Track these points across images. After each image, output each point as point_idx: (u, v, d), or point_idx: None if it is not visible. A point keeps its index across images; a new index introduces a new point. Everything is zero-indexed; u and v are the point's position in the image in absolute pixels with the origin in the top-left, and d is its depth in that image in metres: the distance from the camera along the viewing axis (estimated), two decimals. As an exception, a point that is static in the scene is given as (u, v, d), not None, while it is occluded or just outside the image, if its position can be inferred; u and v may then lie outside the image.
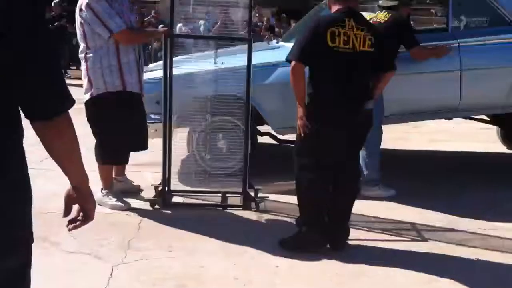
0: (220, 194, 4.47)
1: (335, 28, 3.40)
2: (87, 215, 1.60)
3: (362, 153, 4.33)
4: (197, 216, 4.14)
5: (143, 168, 5.23)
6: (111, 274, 3.16)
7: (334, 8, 3.56)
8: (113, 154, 4.27)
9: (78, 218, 1.60)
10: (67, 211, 1.60)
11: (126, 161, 4.47)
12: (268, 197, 4.40)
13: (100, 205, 4.12)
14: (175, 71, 4.30)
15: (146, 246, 3.59)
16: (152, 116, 4.80)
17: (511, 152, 6.27)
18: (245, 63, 4.18)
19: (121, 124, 4.12)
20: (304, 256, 3.48)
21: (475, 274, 3.33)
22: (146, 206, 4.31)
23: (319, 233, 3.56)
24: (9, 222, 1.37)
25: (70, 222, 1.62)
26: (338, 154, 3.53)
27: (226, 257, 3.46)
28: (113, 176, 4.50)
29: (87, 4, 4.01)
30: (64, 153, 1.46)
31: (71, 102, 1.43)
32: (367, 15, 4.40)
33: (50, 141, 1.42)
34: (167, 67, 4.23)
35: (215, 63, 4.62)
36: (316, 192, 3.55)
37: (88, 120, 4.19)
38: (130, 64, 4.14)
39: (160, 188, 4.33)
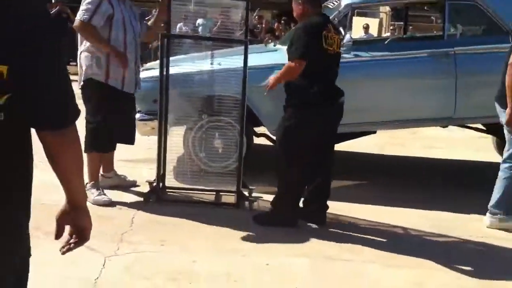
0: (214, 193, 4.51)
1: (326, 32, 3.83)
2: (83, 236, 1.52)
3: None
4: (191, 213, 4.17)
5: (139, 164, 5.27)
6: (103, 265, 3.20)
7: (312, 12, 3.92)
8: (97, 142, 4.30)
9: (71, 241, 1.52)
10: (60, 232, 1.51)
11: (109, 150, 4.49)
12: (262, 197, 4.45)
13: None
14: (173, 70, 4.35)
15: (139, 239, 3.63)
16: (149, 114, 4.85)
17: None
18: (242, 64, 4.23)
19: (104, 111, 4.21)
20: (295, 255, 3.53)
21: (463, 279, 3.37)
22: (138, 201, 4.34)
23: (296, 213, 4.00)
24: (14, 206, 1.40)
25: (64, 243, 1.53)
26: (326, 139, 4.01)
27: (218, 254, 3.50)
28: (101, 173, 4.55)
29: None
30: (69, 166, 1.42)
31: (78, 114, 1.43)
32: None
33: (57, 151, 1.39)
34: (163, 66, 4.28)
35: (211, 63, 4.67)
36: (305, 175, 3.92)
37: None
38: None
39: (154, 184, 4.37)
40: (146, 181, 4.47)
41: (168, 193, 4.53)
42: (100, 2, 4.13)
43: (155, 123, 4.67)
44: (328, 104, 3.91)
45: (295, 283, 3.19)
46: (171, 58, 4.36)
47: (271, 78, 4.07)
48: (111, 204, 4.22)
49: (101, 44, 4.19)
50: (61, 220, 1.50)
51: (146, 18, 6.32)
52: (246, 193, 4.37)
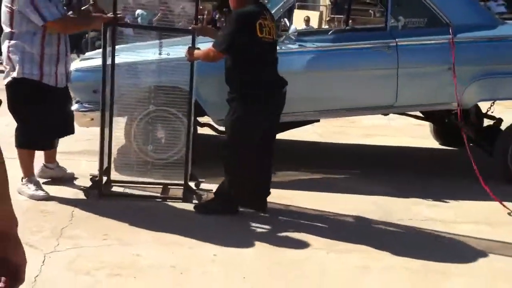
0: (161, 186, 4.40)
1: (261, 20, 3.78)
2: (17, 276, 1.14)
3: None
4: (134, 207, 4.06)
5: (77, 157, 5.09)
6: (43, 262, 3.07)
7: (247, 1, 3.86)
8: (30, 140, 4.14)
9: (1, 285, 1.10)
10: None
11: (47, 148, 4.35)
12: (211, 190, 4.38)
13: (20, 194, 4.04)
14: (117, 60, 4.23)
15: (79, 234, 3.50)
16: (88, 104, 4.69)
17: (443, 147, 6.50)
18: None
19: (39, 111, 4.05)
20: (242, 245, 3.50)
21: (409, 261, 3.43)
22: (78, 195, 4.19)
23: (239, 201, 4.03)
24: None
25: None
26: (269, 128, 4.00)
27: (163, 247, 3.42)
28: (43, 163, 4.42)
29: None
30: None
31: None
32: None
33: None
34: (106, 55, 4.15)
35: (160, 53, 4.55)
36: (251, 164, 3.92)
37: (7, 103, 4.06)
38: (52, 57, 4.06)
39: (97, 178, 4.22)
40: (90, 175, 4.31)
41: (113, 187, 4.39)
42: None
43: (94, 114, 4.54)
44: (270, 94, 3.91)
45: (242, 273, 3.15)
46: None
47: (192, 52, 4.06)
48: (48, 198, 4.06)
49: (87, 24, 4.31)
50: None
51: (83, 8, 6.10)
52: (193, 186, 4.28)
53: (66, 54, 4.19)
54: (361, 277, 3.23)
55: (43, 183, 4.28)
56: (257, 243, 3.56)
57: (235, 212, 4.03)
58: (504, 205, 4.36)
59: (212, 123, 5.15)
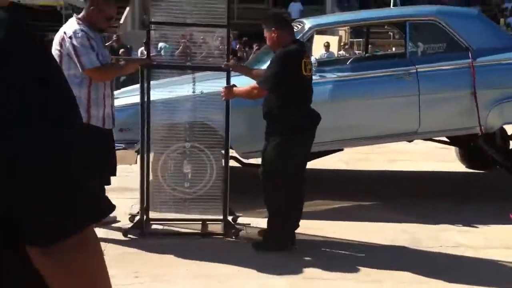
0: (200, 222, 4.38)
1: (305, 59, 3.93)
2: None
3: None
4: (167, 244, 4.08)
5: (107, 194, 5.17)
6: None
7: (288, 39, 3.94)
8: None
9: None
10: None
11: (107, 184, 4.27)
12: (249, 224, 4.40)
13: None
14: (152, 97, 4.27)
15: (112, 273, 3.54)
16: (117, 143, 4.77)
17: (470, 170, 6.45)
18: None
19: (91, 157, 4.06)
20: (274, 276, 3.53)
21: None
22: (108, 234, 4.20)
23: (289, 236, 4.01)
24: None
25: None
26: (304, 162, 4.08)
27: (195, 280, 3.45)
28: None
29: (69, 36, 3.99)
30: None
31: (86, 221, 0.87)
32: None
33: (48, 276, 0.87)
34: (144, 94, 4.21)
35: (193, 92, 4.58)
36: (291, 197, 3.95)
37: None
38: (99, 100, 4.10)
39: (138, 217, 4.24)
40: (129, 214, 4.35)
41: (152, 226, 4.39)
42: (90, 43, 4.00)
43: (120, 153, 4.59)
44: (310, 129, 4.02)
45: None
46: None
47: (231, 89, 4.08)
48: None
49: (123, 71, 4.27)
50: None
51: (107, 44, 6.19)
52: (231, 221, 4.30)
53: (111, 97, 4.23)
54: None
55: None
56: (288, 274, 3.57)
57: (286, 247, 3.98)
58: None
59: (236, 155, 5.20)
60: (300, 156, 3.99)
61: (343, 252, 4.01)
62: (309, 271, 3.64)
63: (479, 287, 3.42)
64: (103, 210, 0.90)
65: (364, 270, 3.68)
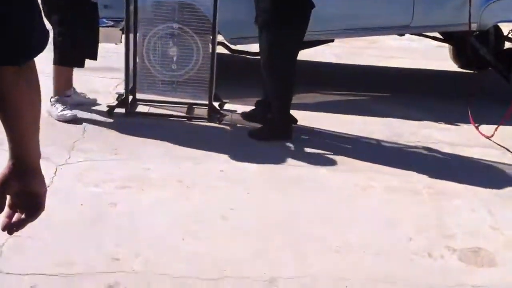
0: (186, 105, 4.39)
1: None
2: (37, 205, 1.13)
3: None
4: (146, 123, 4.12)
5: (90, 73, 5.11)
6: (54, 174, 3.19)
7: None
8: (67, 55, 4.09)
9: (21, 217, 1.13)
10: (1, 205, 1.11)
11: (79, 65, 4.28)
12: (235, 111, 4.40)
13: (49, 115, 4.06)
14: None
15: (91, 148, 3.60)
16: (104, 20, 4.65)
17: (462, 70, 6.38)
18: None
19: (74, 23, 4.00)
20: (249, 161, 3.58)
21: (410, 181, 3.48)
22: (91, 111, 4.22)
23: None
24: None
25: (12, 223, 1.13)
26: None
27: (172, 161, 3.51)
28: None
29: None
30: (23, 114, 1.06)
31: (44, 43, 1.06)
32: None
33: (7, 93, 1.03)
34: None
35: None
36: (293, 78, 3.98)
37: (43, 10, 4.03)
38: None
39: (123, 97, 4.23)
40: (116, 93, 4.32)
41: (138, 106, 4.40)
42: None
43: (106, 30, 4.50)
44: (303, 16, 3.91)
45: (246, 187, 3.24)
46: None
47: None
48: (76, 120, 4.03)
49: None
50: (3, 188, 1.09)
51: None
52: (217, 107, 4.31)
53: None
54: (360, 195, 3.30)
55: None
56: (263, 160, 3.63)
57: (290, 136, 4.01)
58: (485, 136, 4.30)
59: (224, 41, 5.11)
60: (292, 46, 3.94)
61: (320, 141, 4.05)
62: (285, 159, 3.70)
63: (451, 183, 3.47)
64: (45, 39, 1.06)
65: (341, 159, 3.74)
